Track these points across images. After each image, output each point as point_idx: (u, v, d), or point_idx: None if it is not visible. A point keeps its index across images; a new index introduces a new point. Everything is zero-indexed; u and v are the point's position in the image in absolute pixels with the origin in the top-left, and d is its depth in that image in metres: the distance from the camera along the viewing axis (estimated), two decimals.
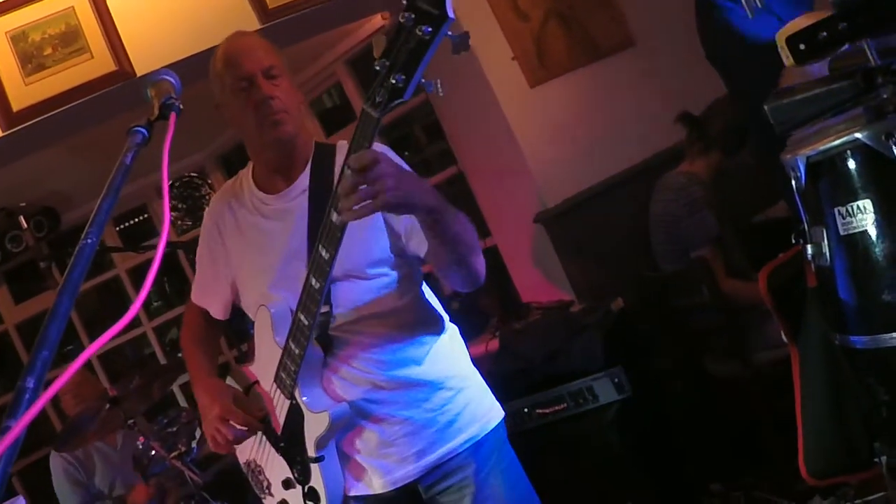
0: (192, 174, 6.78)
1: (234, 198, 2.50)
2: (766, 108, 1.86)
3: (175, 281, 6.95)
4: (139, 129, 1.51)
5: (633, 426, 3.68)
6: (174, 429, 4.51)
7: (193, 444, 4.41)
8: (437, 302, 2.50)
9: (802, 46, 1.66)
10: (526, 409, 3.80)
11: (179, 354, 5.38)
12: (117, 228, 6.84)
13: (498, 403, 2.50)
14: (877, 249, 1.85)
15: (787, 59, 1.81)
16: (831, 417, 2.25)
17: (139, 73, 3.85)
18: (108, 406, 4.35)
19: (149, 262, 6.38)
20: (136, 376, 4.45)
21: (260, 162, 2.47)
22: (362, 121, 1.82)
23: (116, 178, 1.37)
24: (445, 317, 2.49)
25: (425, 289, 2.47)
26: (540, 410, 3.79)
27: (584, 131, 4.78)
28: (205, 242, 2.55)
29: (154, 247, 5.34)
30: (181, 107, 1.59)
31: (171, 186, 6.77)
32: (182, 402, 6.55)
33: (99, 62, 3.85)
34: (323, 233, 2.02)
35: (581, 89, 4.84)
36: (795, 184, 1.95)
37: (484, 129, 4.80)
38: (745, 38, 2.50)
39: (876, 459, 2.08)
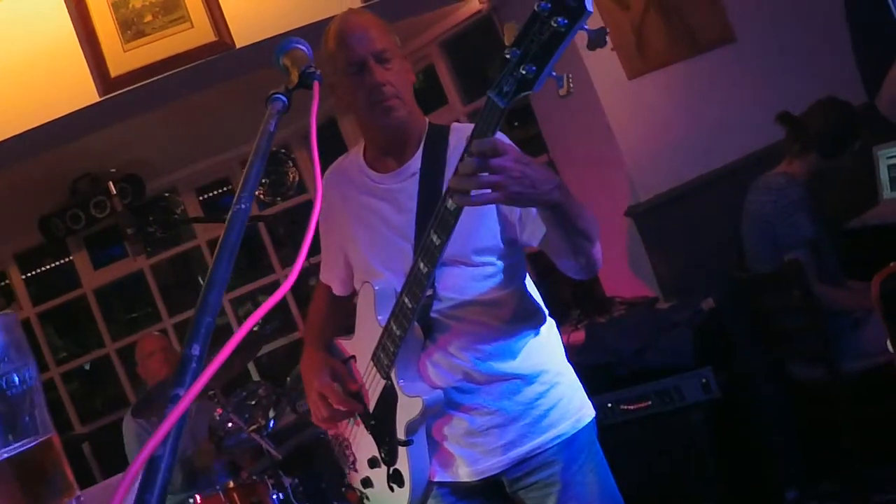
0: (279, 150, 6.82)
1: (346, 175, 2.50)
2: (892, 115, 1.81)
3: (250, 254, 7.01)
4: (279, 96, 1.50)
5: (717, 428, 3.65)
6: (252, 402, 4.54)
7: (271, 418, 4.44)
8: (539, 295, 2.48)
9: None
10: (610, 405, 3.78)
11: (255, 329, 5.43)
12: (200, 199, 6.91)
13: (589, 402, 2.48)
14: None
15: None
16: None
17: (238, 45, 3.86)
18: None
19: None
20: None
21: (371, 142, 2.46)
22: (487, 108, 1.80)
23: (262, 144, 1.36)
24: (545, 311, 2.47)
25: (528, 281, 2.45)
26: (624, 406, 3.77)
27: (680, 126, 4.73)
28: (324, 220, 2.57)
29: None
30: (321, 75, 1.57)
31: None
32: (255, 377, 6.62)
33: (199, 32, 3.85)
34: (436, 218, 2.00)
35: (679, 83, 4.79)
36: None
37: (579, 118, 4.77)
38: None
39: None
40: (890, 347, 2.31)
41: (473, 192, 1.80)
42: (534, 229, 2.21)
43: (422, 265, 2.10)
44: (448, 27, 5.40)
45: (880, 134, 4.63)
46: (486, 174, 1.79)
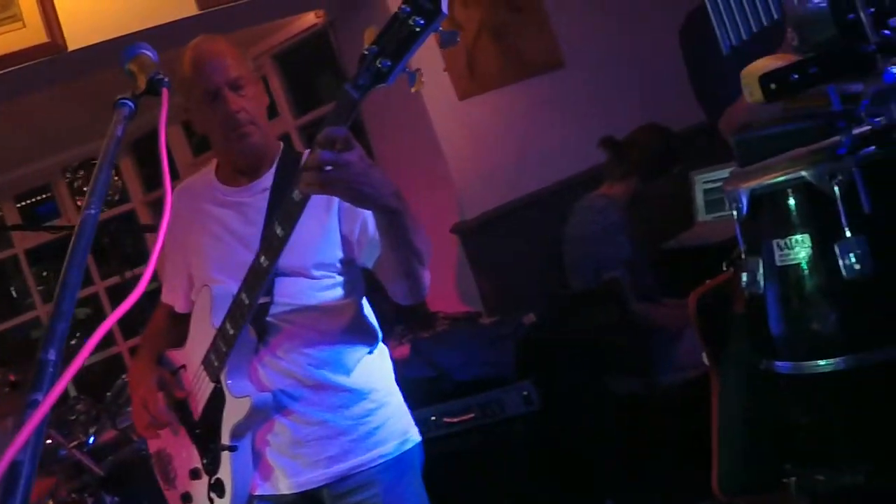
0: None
1: (195, 191, 2.51)
2: (733, 141, 1.96)
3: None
4: (126, 101, 1.50)
5: (538, 440, 3.76)
6: (71, 417, 4.40)
7: (91, 434, 4.31)
8: (374, 319, 2.52)
9: (773, 86, 1.76)
10: (434, 417, 3.83)
11: (73, 342, 5.26)
12: (18, 206, 6.65)
13: (416, 427, 2.51)
14: (809, 281, 1.97)
15: (751, 95, 1.92)
16: (745, 438, 2.37)
17: (71, 48, 3.77)
18: (7, 390, 4.22)
19: (48, 243, 6.26)
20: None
21: (225, 163, 2.48)
22: (341, 100, 1.86)
23: (110, 150, 1.37)
24: (380, 333, 2.52)
25: (365, 302, 2.49)
26: (448, 419, 3.83)
27: (508, 147, 4.88)
28: (168, 236, 2.52)
29: (56, 228, 5.21)
30: (169, 81, 1.58)
31: (73, 170, 6.65)
32: (73, 392, 6.39)
33: (30, 32, 3.73)
34: (282, 210, 2.04)
35: (509, 106, 4.94)
36: (737, 214, 2.04)
37: (409, 137, 4.86)
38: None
39: (785, 480, 2.18)
40: (705, 360, 2.45)
41: (318, 181, 1.84)
42: (371, 251, 2.27)
43: (263, 259, 2.12)
44: (282, 40, 5.40)
45: (698, 160, 4.89)
46: (332, 168, 1.83)
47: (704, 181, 4.95)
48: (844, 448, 2.09)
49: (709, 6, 1.90)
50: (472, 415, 3.81)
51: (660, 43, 5.23)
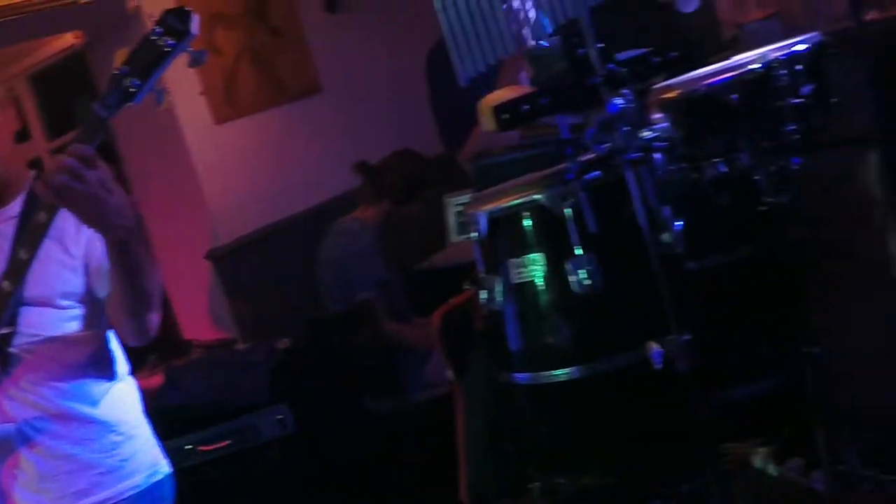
0: None
1: None
2: (470, 168, 2.07)
3: None
4: None
5: (295, 463, 3.77)
6: None
7: None
8: (121, 349, 2.48)
9: (506, 116, 1.88)
10: (189, 446, 3.77)
11: None
12: None
13: (166, 459, 2.46)
14: (543, 297, 2.10)
15: (487, 125, 2.03)
16: (490, 448, 2.49)
17: None
18: None
19: None
20: None
21: None
22: (91, 119, 1.86)
23: None
24: (126, 366, 2.47)
25: (111, 335, 2.44)
26: (203, 447, 3.78)
27: (263, 172, 4.89)
28: None
29: None
30: None
31: None
32: None
33: None
34: (25, 232, 2.00)
35: (265, 131, 4.96)
36: (476, 236, 2.15)
37: (164, 160, 4.79)
38: None
39: (528, 486, 2.30)
40: (450, 376, 2.56)
41: (54, 187, 1.83)
42: (104, 284, 2.23)
43: (5, 283, 2.04)
44: (38, 60, 5.22)
45: (450, 184, 5.04)
46: (69, 177, 1.82)
47: (456, 204, 5.11)
48: (581, 452, 2.23)
49: (447, 39, 1.99)
50: (227, 441, 3.77)
51: (414, 70, 5.38)
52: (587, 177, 1.96)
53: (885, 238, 3.36)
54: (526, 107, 1.88)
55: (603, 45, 1.88)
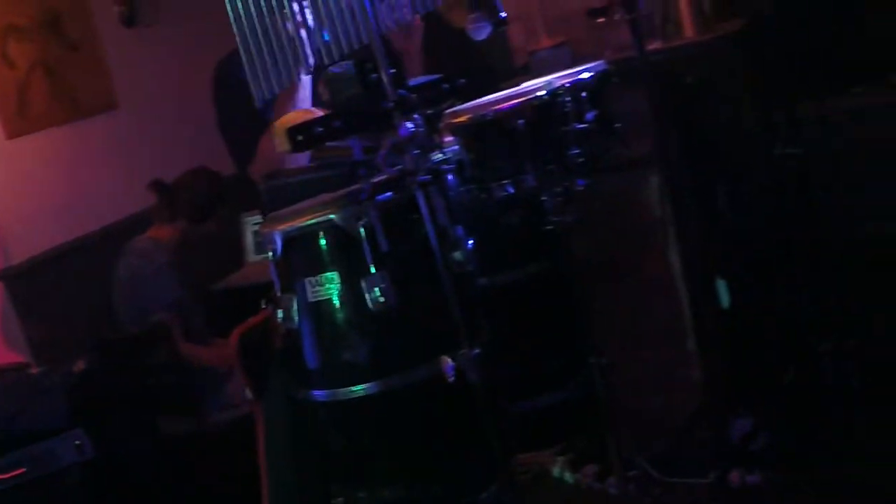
0: None
1: None
2: (261, 188, 2.09)
3: None
4: None
5: (94, 489, 3.68)
6: None
7: None
8: None
9: (300, 137, 1.92)
10: None
11: None
12: None
13: None
14: (339, 315, 2.14)
15: (280, 145, 2.07)
16: (292, 467, 2.50)
17: None
18: None
19: None
20: None
21: None
22: None
23: None
24: None
25: None
26: None
27: (58, 189, 4.77)
28: None
29: None
30: None
31: None
32: None
33: None
34: None
35: (59, 146, 4.84)
36: (272, 255, 2.17)
37: None
38: None
39: (332, 502, 2.34)
40: (249, 395, 2.56)
41: None
42: None
43: None
44: None
45: (247, 203, 5.02)
46: None
47: (253, 223, 5.10)
48: (381, 466, 2.28)
49: (244, 61, 2.01)
50: (23, 469, 3.64)
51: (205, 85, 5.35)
52: (379, 197, 2.01)
53: (665, 255, 3.58)
54: (320, 129, 1.93)
55: (394, 70, 1.94)
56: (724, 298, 3.47)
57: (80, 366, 4.14)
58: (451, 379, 2.00)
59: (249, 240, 5.13)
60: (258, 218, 4.97)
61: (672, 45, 3.65)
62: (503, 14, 2.35)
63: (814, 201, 3.77)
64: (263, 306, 2.46)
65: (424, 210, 1.95)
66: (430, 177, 1.92)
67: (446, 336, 2.09)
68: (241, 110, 2.57)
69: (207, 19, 5.61)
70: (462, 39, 2.46)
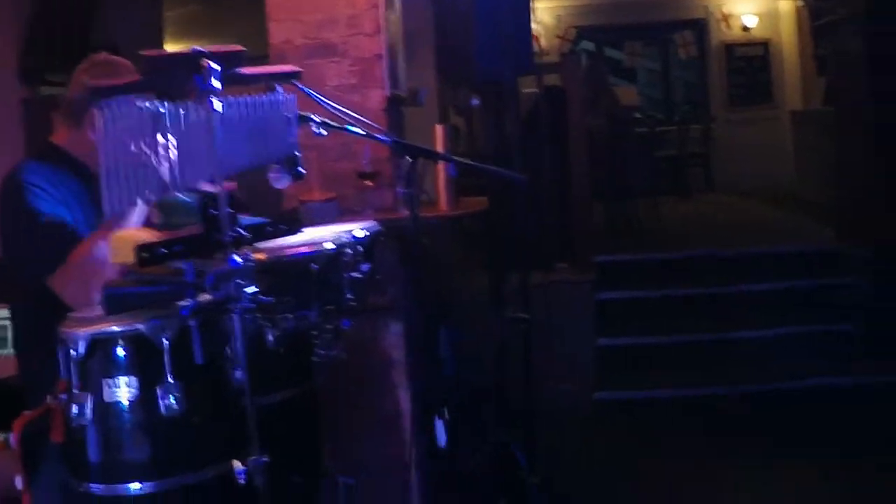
0: None
1: None
2: (103, 294, 2.33)
3: None
4: None
5: None
6: None
7: None
8: None
9: (146, 255, 2.21)
10: None
11: None
12: None
13: None
14: (132, 416, 2.38)
15: (115, 256, 2.33)
16: None
17: None
18: None
19: None
20: None
21: None
22: None
23: None
24: None
25: None
26: None
27: None
28: None
29: None
30: None
31: None
32: None
33: None
34: None
35: None
36: (75, 354, 2.39)
37: None
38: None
39: None
40: (19, 485, 2.69)
41: None
42: None
43: None
44: None
45: None
46: None
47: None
48: None
49: (103, 178, 2.23)
50: None
51: None
52: (200, 315, 2.32)
53: (397, 395, 4.02)
54: (163, 250, 2.23)
55: (231, 209, 2.29)
56: (441, 437, 3.91)
57: None
58: (242, 481, 2.28)
59: None
60: (4, 312, 4.95)
61: (426, 214, 4.14)
62: (303, 170, 2.76)
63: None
64: (48, 400, 2.62)
65: (238, 331, 2.26)
66: (253, 305, 2.25)
67: (227, 444, 2.39)
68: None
69: None
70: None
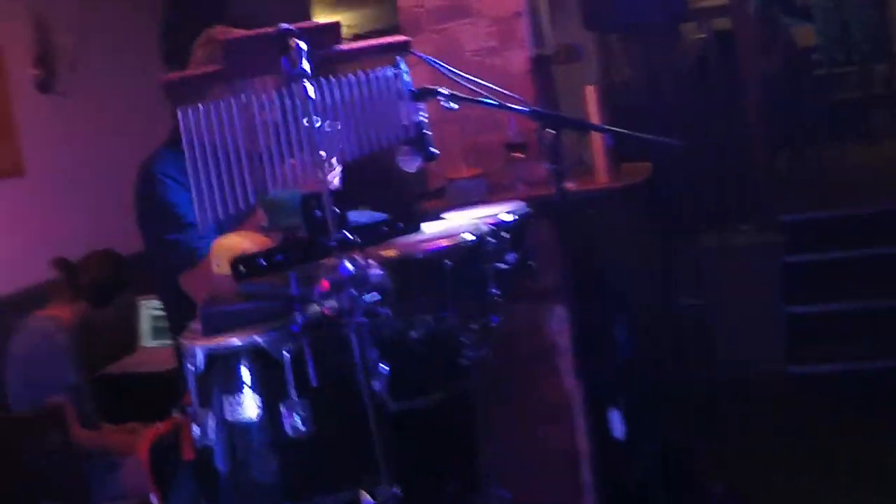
0: None
1: None
2: (200, 313, 2.13)
3: None
4: None
5: None
6: None
7: None
8: None
9: (243, 268, 1.96)
10: None
11: None
12: None
13: None
14: (256, 436, 2.16)
15: (219, 267, 2.11)
16: None
17: None
18: None
19: None
20: None
21: None
22: None
23: None
24: None
25: None
26: None
27: None
28: None
29: None
30: None
31: None
32: None
33: None
34: None
35: None
36: (193, 368, 2.19)
37: None
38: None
39: None
40: (155, 501, 2.55)
41: None
42: None
43: None
44: None
45: (144, 285, 4.98)
46: None
47: (151, 307, 5.05)
48: None
49: (192, 183, 2.02)
50: None
51: (122, 165, 5.35)
52: (311, 331, 2.06)
53: (564, 383, 3.71)
54: (263, 262, 1.97)
55: (338, 210, 2.01)
56: (619, 429, 3.59)
57: None
58: None
59: (146, 324, 5.08)
60: (155, 302, 4.94)
61: (585, 187, 3.79)
62: (435, 150, 2.45)
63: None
64: (173, 413, 2.46)
65: (356, 347, 2.00)
66: (364, 319, 1.98)
67: (360, 467, 2.14)
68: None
69: (126, 95, 5.66)
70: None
